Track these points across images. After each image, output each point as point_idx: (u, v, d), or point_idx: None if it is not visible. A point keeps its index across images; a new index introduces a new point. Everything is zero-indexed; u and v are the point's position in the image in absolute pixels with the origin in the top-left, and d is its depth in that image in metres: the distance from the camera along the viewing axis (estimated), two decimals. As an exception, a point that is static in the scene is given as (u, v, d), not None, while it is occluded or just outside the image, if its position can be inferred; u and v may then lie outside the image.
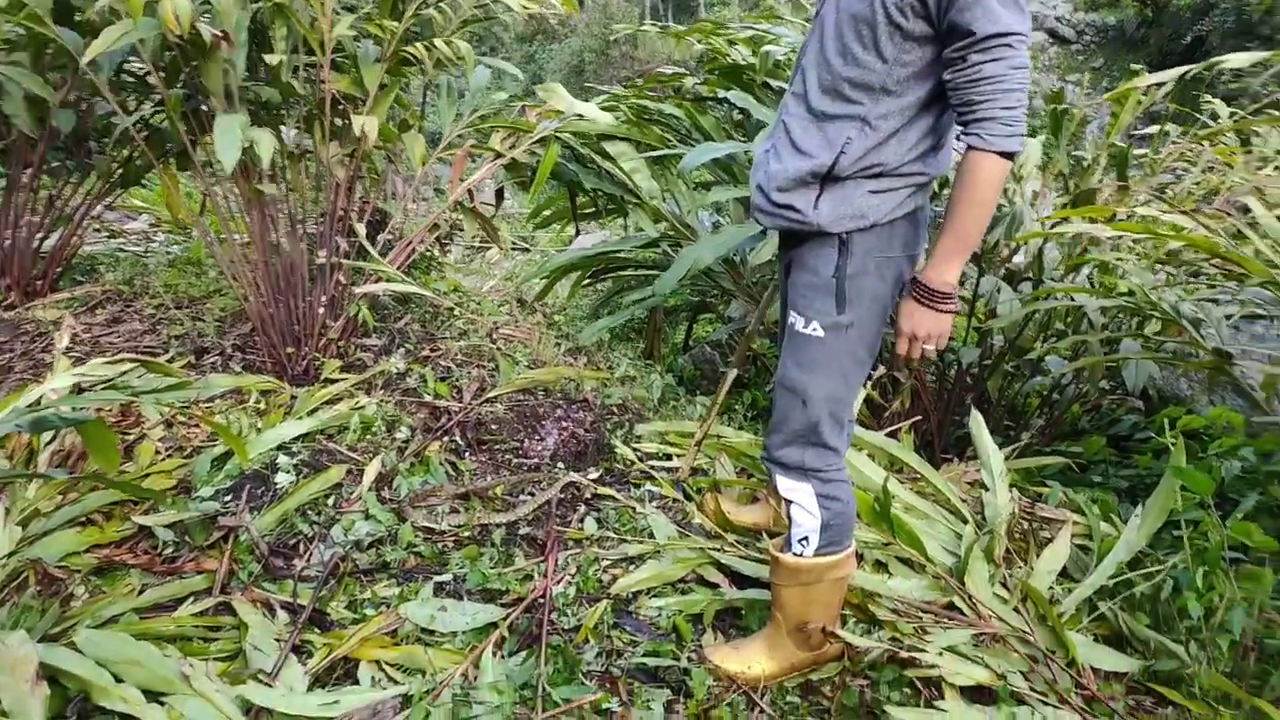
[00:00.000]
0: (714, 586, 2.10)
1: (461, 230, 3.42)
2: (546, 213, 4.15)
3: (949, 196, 1.49)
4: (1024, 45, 1.39)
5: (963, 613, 1.97)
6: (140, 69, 3.28)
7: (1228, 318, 2.72)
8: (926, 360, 1.57)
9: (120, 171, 3.56)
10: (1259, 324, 3.22)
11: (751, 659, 1.83)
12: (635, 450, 2.69)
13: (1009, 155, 1.42)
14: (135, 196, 5.70)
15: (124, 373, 2.12)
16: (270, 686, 1.72)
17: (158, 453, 2.51)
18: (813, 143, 1.57)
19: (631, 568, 2.15)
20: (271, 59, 2.54)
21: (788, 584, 1.79)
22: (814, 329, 1.63)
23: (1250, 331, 3.26)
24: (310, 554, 2.15)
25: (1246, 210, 3.69)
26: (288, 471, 2.40)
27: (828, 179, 1.56)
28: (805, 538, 1.74)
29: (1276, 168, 4.00)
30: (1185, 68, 2.65)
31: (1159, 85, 3.06)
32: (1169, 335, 2.98)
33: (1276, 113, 4.74)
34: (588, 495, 2.45)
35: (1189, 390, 3.35)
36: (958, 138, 1.52)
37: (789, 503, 1.75)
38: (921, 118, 1.53)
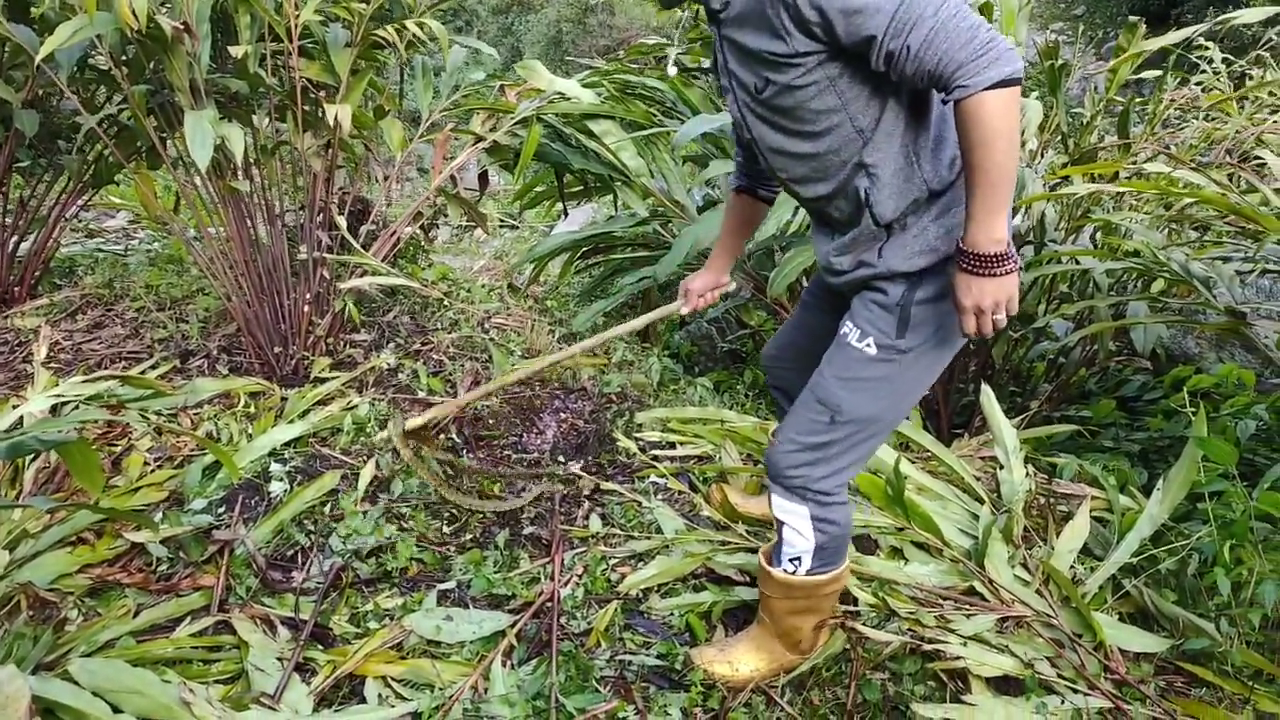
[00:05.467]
0: (727, 581, 2.04)
1: (446, 216, 3.32)
2: (535, 191, 4.05)
3: (962, 154, 1.32)
4: None
5: (984, 597, 1.92)
6: (106, 65, 3.17)
7: (1239, 274, 2.65)
8: (999, 331, 1.39)
9: (91, 170, 3.45)
10: (1266, 278, 3.16)
11: (738, 660, 1.78)
12: (637, 440, 2.63)
13: (1005, 84, 1.21)
14: (112, 193, 5.56)
15: (107, 388, 2.05)
16: (274, 710, 1.66)
17: (147, 464, 2.44)
18: (844, 214, 1.49)
19: (640, 565, 2.09)
20: (237, 50, 2.43)
21: (777, 596, 1.72)
22: (867, 344, 1.50)
23: (1258, 285, 3.20)
24: (309, 565, 2.09)
25: (1246, 159, 3.62)
26: (281, 479, 2.33)
27: (883, 229, 1.45)
28: (798, 558, 1.65)
29: (1273, 111, 3.93)
30: (1195, 29, 2.56)
31: (1157, 35, 2.97)
32: (1177, 295, 2.92)
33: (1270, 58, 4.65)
34: (589, 491, 2.39)
35: (1197, 348, 3.29)
36: (943, 101, 1.39)
37: (781, 522, 1.64)
38: (918, 126, 1.40)
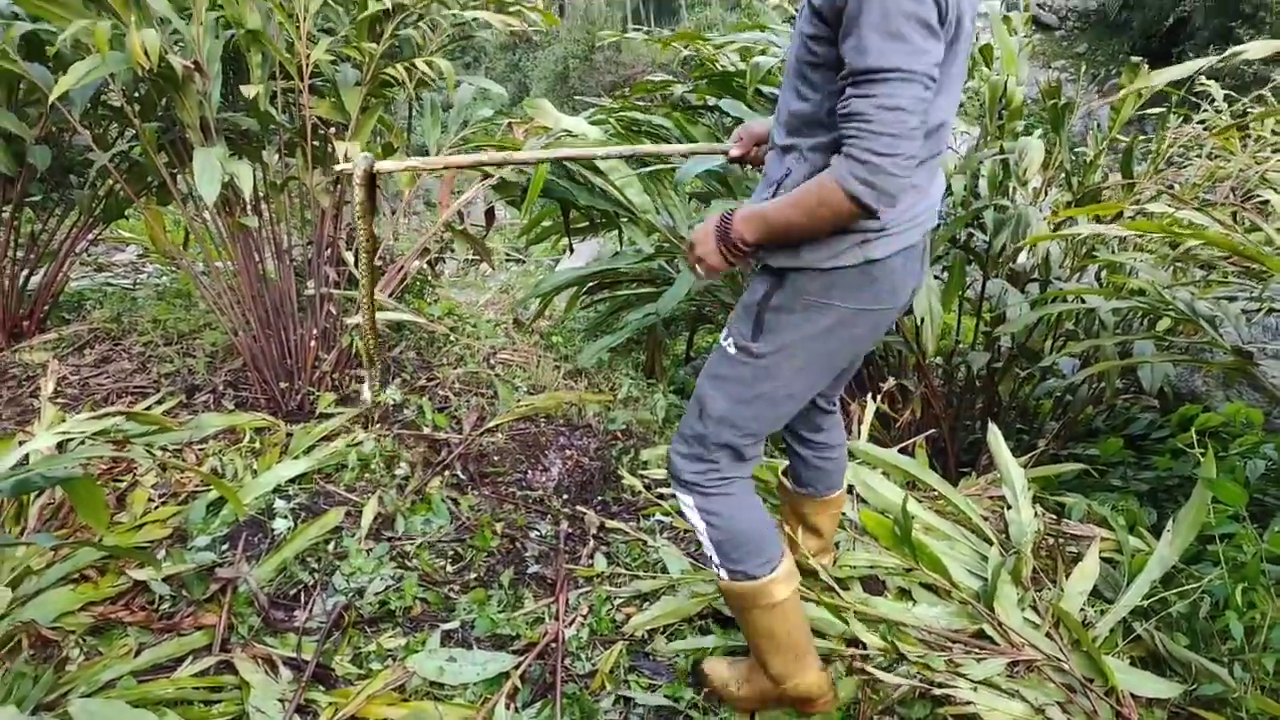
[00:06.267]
0: (732, 623, 2.02)
1: (453, 251, 3.34)
2: (542, 226, 4.07)
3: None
4: (907, 86, 1.21)
5: (993, 641, 1.90)
6: (118, 102, 3.21)
7: (1245, 313, 2.65)
8: (698, 277, 1.56)
9: (102, 205, 3.48)
10: (1272, 317, 3.15)
11: (738, 678, 1.80)
12: (642, 478, 2.62)
13: (858, 202, 1.26)
14: (122, 227, 5.61)
15: (113, 424, 2.05)
16: (275, 754, 1.65)
17: (151, 500, 2.43)
18: (773, 174, 1.53)
19: (645, 605, 2.07)
20: (248, 90, 2.46)
21: (731, 606, 1.73)
22: (729, 344, 1.58)
23: (1264, 324, 3.19)
24: (312, 604, 2.07)
25: (1249, 197, 3.63)
26: (285, 516, 2.32)
27: None
28: (709, 555, 1.67)
29: (1275, 150, 3.95)
30: (1198, 63, 2.57)
31: (1159, 74, 2.99)
32: (1184, 333, 2.92)
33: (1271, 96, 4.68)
34: (594, 530, 2.37)
35: (1204, 386, 3.28)
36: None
37: (684, 515, 1.69)
38: None
